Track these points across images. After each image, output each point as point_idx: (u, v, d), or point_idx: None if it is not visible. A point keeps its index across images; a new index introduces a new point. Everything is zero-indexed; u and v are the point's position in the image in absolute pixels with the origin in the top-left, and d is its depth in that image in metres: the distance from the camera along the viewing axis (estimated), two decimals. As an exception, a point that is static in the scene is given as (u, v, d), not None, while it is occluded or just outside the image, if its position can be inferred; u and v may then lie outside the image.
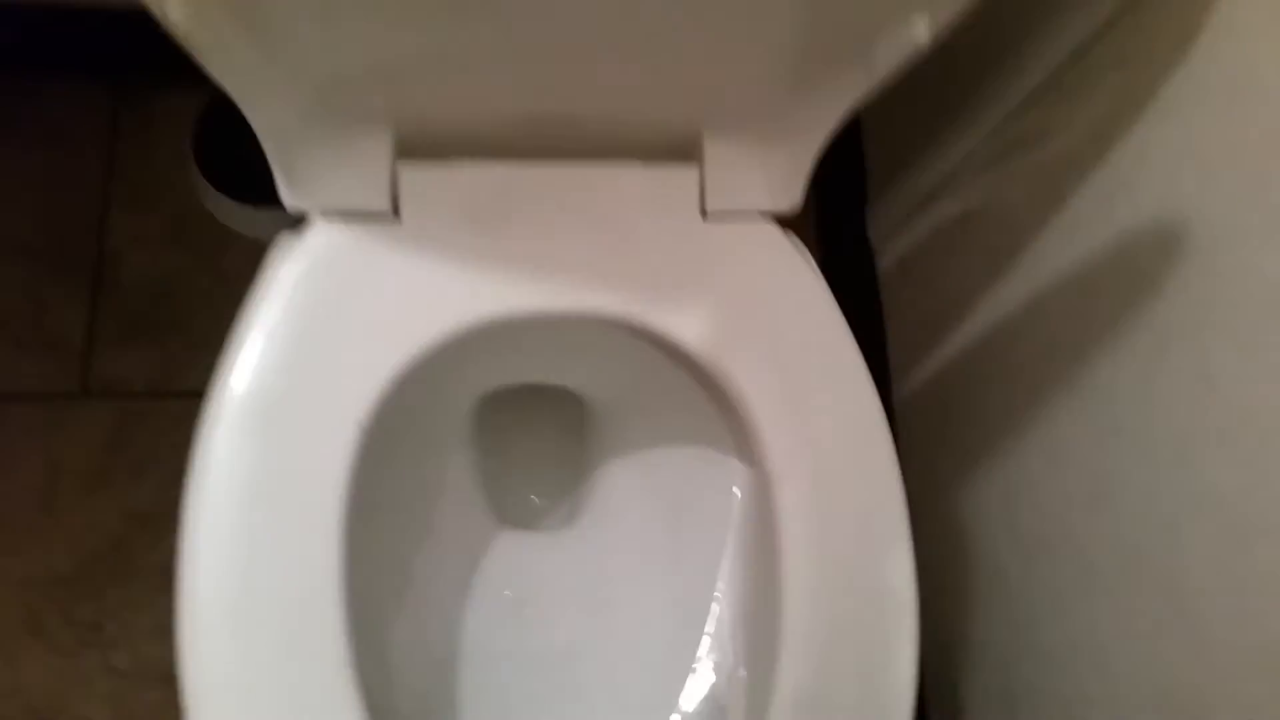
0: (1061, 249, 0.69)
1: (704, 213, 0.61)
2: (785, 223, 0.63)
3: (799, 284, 0.61)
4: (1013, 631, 0.78)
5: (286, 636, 0.51)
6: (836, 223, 1.06)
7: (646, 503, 0.78)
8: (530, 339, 0.67)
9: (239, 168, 1.00)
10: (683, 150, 0.62)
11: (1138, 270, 0.61)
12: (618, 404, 0.79)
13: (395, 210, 0.57)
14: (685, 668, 0.67)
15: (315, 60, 0.51)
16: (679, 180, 0.61)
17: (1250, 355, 0.53)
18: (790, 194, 0.62)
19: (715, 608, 0.68)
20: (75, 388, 0.95)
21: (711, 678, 0.67)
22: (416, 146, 0.57)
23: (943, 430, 0.88)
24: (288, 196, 0.55)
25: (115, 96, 1.03)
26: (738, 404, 0.60)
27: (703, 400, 0.71)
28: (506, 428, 0.82)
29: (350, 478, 0.53)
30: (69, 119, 1.02)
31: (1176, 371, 0.58)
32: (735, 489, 0.69)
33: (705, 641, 0.68)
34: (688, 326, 0.60)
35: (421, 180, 0.58)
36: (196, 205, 1.02)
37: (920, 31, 0.51)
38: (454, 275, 0.57)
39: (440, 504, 0.76)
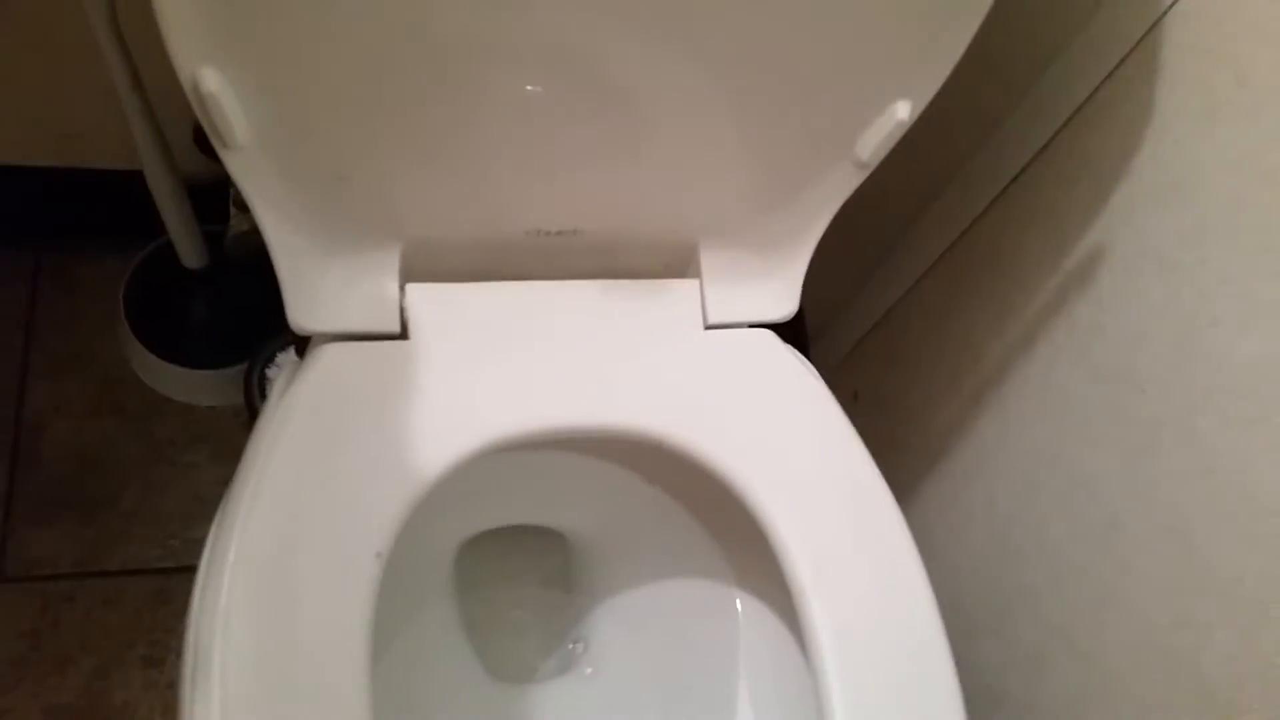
0: (1026, 357, 0.72)
1: (706, 325, 0.61)
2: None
3: (805, 391, 0.61)
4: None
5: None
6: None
7: (642, 643, 0.74)
8: (529, 466, 0.64)
9: (169, 331, 0.96)
10: (681, 267, 0.62)
11: (1108, 367, 0.64)
12: (607, 541, 0.76)
13: (404, 331, 0.55)
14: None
15: (338, 169, 0.50)
16: (681, 294, 0.61)
17: (1242, 433, 0.55)
18: (785, 304, 0.63)
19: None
20: (-10, 572, 0.86)
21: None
22: (425, 268, 0.56)
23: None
24: (296, 319, 0.53)
25: (35, 262, 0.99)
26: (757, 516, 0.58)
27: (698, 527, 0.69)
28: (489, 577, 0.78)
29: (373, 615, 0.48)
30: (-14, 286, 0.96)
31: (1170, 459, 0.60)
32: (738, 614, 0.67)
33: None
34: (702, 438, 0.59)
35: (430, 300, 0.56)
36: (124, 371, 0.97)
37: (903, 113, 0.53)
38: (464, 396, 0.55)
39: (427, 660, 0.70)
